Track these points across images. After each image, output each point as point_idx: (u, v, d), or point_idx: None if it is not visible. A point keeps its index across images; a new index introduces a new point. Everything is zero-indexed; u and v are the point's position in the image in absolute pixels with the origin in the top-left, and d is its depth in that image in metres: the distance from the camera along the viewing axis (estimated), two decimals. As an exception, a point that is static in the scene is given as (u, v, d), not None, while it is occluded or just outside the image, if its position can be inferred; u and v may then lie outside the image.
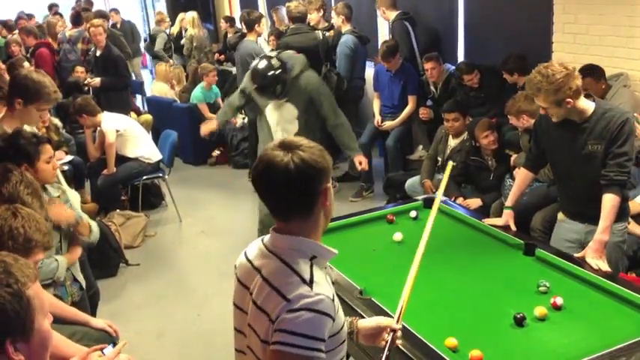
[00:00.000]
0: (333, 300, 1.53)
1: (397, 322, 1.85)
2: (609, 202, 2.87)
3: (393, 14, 5.99)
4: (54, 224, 2.89)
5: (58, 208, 2.89)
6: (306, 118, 4.27)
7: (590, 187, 2.99)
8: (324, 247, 1.62)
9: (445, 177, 2.70)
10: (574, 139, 2.99)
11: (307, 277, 1.52)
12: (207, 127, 4.71)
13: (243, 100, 4.49)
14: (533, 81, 2.88)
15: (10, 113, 3.33)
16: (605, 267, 2.77)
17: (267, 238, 1.66)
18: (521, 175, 3.37)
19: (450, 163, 2.77)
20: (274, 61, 4.08)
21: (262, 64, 4.08)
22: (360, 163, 4.40)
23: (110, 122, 5.51)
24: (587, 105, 2.94)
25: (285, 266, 1.55)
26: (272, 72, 4.03)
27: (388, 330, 1.82)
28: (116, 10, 10.45)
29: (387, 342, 1.79)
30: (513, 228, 3.21)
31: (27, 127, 3.44)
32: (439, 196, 2.53)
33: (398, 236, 3.17)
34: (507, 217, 3.24)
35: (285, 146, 1.55)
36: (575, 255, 2.92)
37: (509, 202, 3.32)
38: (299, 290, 1.48)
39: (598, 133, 2.91)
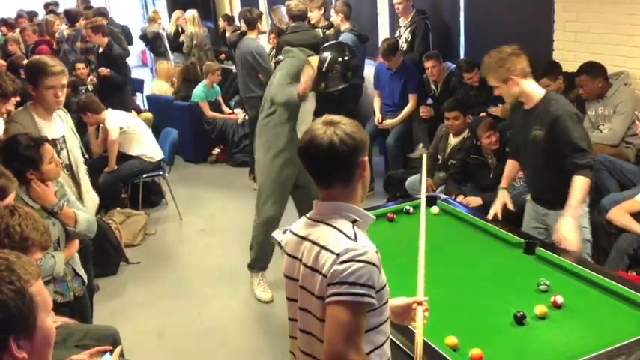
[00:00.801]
0: (377, 252, 1.65)
1: (421, 295, 1.97)
2: (578, 182, 3.00)
3: (411, 12, 6.00)
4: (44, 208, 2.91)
5: (40, 189, 2.89)
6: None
7: (539, 173, 3.22)
8: (363, 211, 1.77)
9: (423, 170, 2.78)
10: (525, 124, 3.19)
11: (351, 234, 1.66)
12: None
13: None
14: (483, 62, 3.18)
15: (34, 102, 3.42)
16: (576, 241, 2.92)
17: (309, 212, 1.81)
18: (509, 164, 3.56)
19: (425, 156, 2.86)
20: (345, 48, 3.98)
21: (332, 52, 3.91)
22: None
23: (114, 119, 5.50)
24: (535, 91, 3.13)
25: (330, 227, 1.70)
26: (342, 58, 3.89)
27: (414, 305, 1.93)
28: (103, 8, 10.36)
29: (415, 317, 1.92)
30: (510, 206, 3.38)
31: (57, 119, 3.51)
32: (423, 189, 2.64)
33: (435, 209, 3.42)
34: (504, 198, 3.40)
35: (328, 122, 1.72)
36: (549, 240, 3.08)
37: (503, 185, 3.49)
38: (346, 245, 1.62)
39: (540, 119, 3.10)
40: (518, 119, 3.28)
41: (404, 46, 6.03)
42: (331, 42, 4.13)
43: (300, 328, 1.77)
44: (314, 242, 1.70)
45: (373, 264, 1.61)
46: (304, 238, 1.75)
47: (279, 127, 4.07)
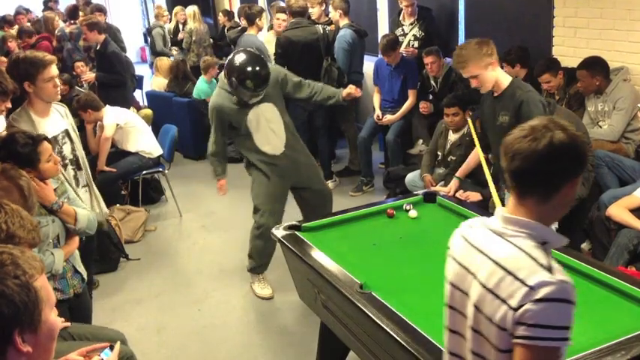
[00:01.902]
0: (573, 286, 1.45)
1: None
2: None
3: (416, 10, 6.01)
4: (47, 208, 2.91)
5: (37, 187, 2.87)
6: (283, 113, 4.15)
7: None
8: (555, 233, 1.56)
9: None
10: (493, 111, 3.34)
11: (544, 262, 1.45)
12: (223, 190, 4.65)
13: (225, 130, 4.32)
14: (458, 56, 3.26)
15: (31, 99, 3.44)
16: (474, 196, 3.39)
17: (491, 221, 1.62)
18: (473, 154, 3.82)
19: (469, 120, 3.00)
20: (249, 54, 3.92)
21: (239, 58, 3.88)
22: (350, 92, 4.15)
23: (112, 116, 5.48)
24: (506, 77, 3.28)
25: (516, 249, 1.50)
26: (237, 70, 3.84)
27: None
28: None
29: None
30: (451, 194, 3.71)
31: (56, 113, 3.55)
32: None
33: (413, 213, 3.43)
34: (453, 185, 3.83)
35: (545, 126, 1.50)
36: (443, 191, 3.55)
37: (458, 174, 3.88)
38: (540, 277, 1.42)
39: (506, 105, 3.26)
40: (487, 108, 3.44)
41: (415, 44, 5.99)
42: (229, 58, 4.05)
43: (473, 351, 1.61)
44: (496, 263, 1.50)
45: (570, 301, 1.42)
46: (480, 251, 1.57)
47: (248, 153, 4.28)
